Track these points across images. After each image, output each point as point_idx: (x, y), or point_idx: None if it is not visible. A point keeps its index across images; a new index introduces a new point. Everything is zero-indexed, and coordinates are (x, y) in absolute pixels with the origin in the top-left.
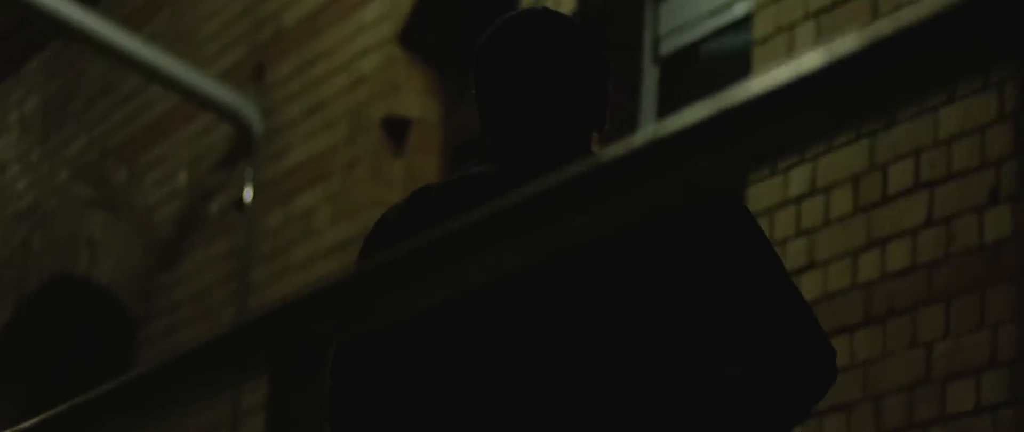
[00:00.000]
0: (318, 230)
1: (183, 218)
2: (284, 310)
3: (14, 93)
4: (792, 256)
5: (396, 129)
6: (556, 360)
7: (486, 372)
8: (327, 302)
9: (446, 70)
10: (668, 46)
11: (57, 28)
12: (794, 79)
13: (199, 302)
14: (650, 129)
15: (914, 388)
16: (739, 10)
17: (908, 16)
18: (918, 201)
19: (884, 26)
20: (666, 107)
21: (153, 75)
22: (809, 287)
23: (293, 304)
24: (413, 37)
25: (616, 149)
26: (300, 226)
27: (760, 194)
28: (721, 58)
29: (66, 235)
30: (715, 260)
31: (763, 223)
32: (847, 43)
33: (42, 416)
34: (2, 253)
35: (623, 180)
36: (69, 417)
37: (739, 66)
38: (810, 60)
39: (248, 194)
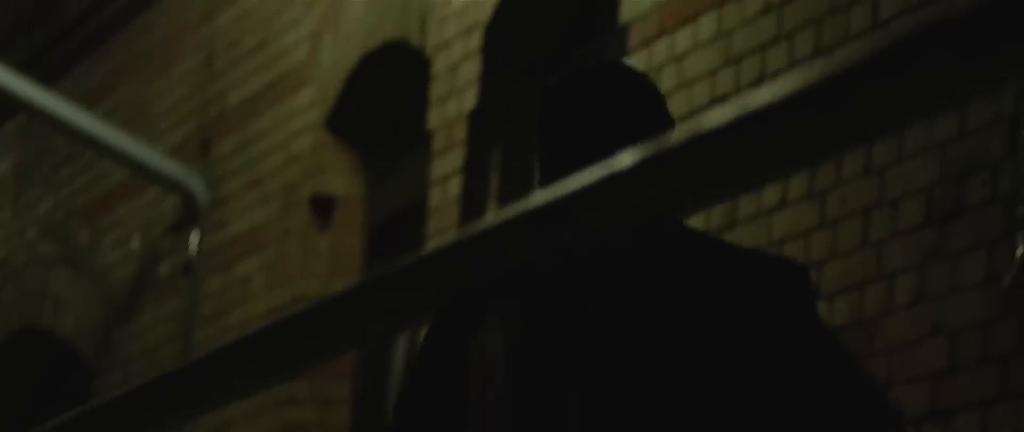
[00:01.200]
0: (254, 295)
1: (136, 279)
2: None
3: None
4: None
5: (323, 206)
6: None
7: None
8: None
9: (369, 153)
10: None
11: (19, 105)
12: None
13: (149, 358)
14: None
15: None
16: None
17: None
18: None
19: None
20: None
21: (107, 151)
22: None
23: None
24: (340, 122)
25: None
26: (238, 291)
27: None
28: None
29: (33, 289)
30: (775, 353)
31: None
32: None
33: None
34: None
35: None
36: None
37: None
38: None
39: (193, 259)
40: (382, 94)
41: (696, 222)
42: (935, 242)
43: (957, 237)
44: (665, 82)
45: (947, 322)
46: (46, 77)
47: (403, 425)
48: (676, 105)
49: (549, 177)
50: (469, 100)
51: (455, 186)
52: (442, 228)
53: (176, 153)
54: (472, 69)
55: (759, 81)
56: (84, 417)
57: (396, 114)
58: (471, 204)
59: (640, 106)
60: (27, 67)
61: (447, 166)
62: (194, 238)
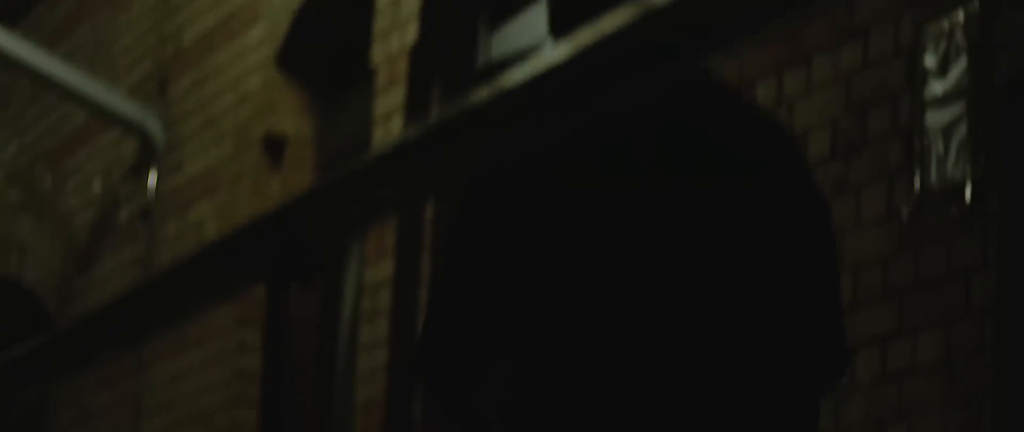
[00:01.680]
0: (208, 240)
1: (97, 225)
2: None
3: None
4: None
5: (274, 146)
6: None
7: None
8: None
9: (319, 90)
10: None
11: None
12: None
13: None
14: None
15: None
16: None
17: None
18: None
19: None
20: None
21: (66, 93)
22: None
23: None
24: (290, 59)
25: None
26: (193, 236)
27: None
28: None
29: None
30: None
31: None
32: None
33: None
34: None
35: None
36: None
37: None
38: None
39: (151, 204)
40: (330, 29)
41: None
42: (840, 175)
43: (860, 170)
44: None
45: (851, 257)
46: (6, 18)
47: (430, 356)
48: None
49: (560, 24)
50: (411, 34)
51: (397, 124)
52: None
53: (136, 92)
54: (413, 2)
55: None
56: (45, 345)
57: (344, 50)
58: None
59: None
60: None
61: (390, 103)
62: (152, 181)
